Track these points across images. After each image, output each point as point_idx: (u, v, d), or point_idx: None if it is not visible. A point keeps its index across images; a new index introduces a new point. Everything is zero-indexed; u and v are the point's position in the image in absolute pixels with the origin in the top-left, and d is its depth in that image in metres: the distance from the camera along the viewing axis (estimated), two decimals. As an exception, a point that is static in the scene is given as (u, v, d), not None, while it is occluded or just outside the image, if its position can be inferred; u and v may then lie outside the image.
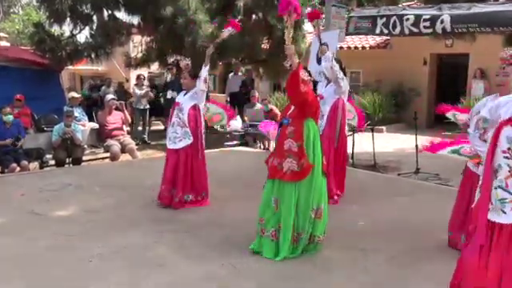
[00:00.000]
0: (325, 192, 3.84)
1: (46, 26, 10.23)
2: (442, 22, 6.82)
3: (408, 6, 8.60)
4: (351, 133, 7.40)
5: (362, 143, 8.51)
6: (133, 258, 3.81)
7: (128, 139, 8.67)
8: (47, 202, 5.32)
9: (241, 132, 9.48)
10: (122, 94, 11.89)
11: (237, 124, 9.34)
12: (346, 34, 8.19)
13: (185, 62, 5.21)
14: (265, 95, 14.06)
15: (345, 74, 5.48)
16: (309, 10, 11.02)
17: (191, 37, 9.61)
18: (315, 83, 4.13)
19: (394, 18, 7.33)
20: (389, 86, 13.58)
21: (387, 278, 3.49)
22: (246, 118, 9.87)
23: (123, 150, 8.35)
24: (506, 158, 2.49)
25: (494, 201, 2.51)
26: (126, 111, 9.13)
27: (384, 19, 7.47)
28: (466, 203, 3.76)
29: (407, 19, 7.19)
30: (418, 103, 13.25)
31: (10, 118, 7.31)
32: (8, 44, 15.56)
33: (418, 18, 7.08)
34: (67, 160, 7.74)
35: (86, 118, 9.52)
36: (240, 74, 12.28)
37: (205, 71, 5.07)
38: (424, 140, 7.57)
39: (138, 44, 12.61)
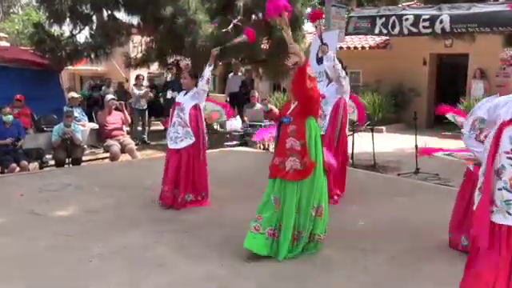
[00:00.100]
0: (325, 191, 3.85)
1: (45, 26, 10.22)
2: (441, 21, 6.82)
3: (408, 6, 8.60)
4: (351, 133, 7.40)
5: (361, 143, 8.51)
6: (133, 258, 3.81)
7: (128, 139, 8.68)
8: (47, 202, 5.32)
9: (240, 132, 9.49)
10: (122, 94, 11.88)
11: (236, 124, 9.36)
12: (346, 34, 8.19)
13: (185, 62, 5.21)
14: (264, 95, 14.07)
15: (346, 74, 5.48)
16: (309, 10, 11.08)
17: (191, 37, 9.61)
18: None
19: (394, 17, 7.32)
20: (388, 86, 13.58)
21: (387, 278, 3.49)
22: (245, 118, 9.87)
23: (123, 150, 8.35)
24: (510, 158, 2.43)
25: (500, 202, 2.44)
26: (125, 111, 9.13)
27: (383, 19, 7.46)
28: (465, 204, 3.76)
29: (406, 19, 7.18)
30: (417, 103, 13.26)
31: (10, 118, 7.32)
32: (8, 44, 15.55)
33: (417, 18, 7.07)
34: (67, 160, 7.75)
35: (86, 118, 9.52)
36: (240, 74, 12.29)
37: (208, 71, 5.06)
38: (424, 140, 7.61)
39: (137, 44, 12.61)
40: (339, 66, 5.23)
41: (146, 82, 12.98)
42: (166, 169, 5.20)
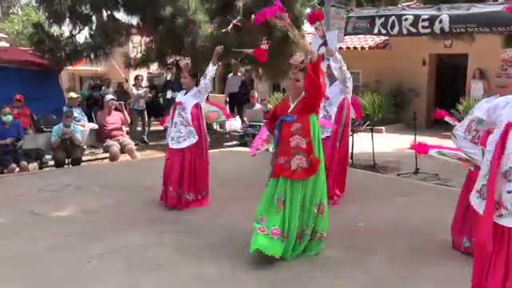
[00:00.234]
0: (325, 188, 3.85)
1: (45, 27, 10.22)
2: (440, 21, 6.82)
3: (407, 6, 8.61)
4: (351, 133, 7.39)
5: (361, 143, 8.52)
6: (132, 258, 3.80)
7: (127, 139, 8.68)
8: (47, 203, 5.32)
9: (240, 132, 9.49)
10: (122, 94, 11.89)
11: (236, 124, 9.36)
12: (345, 35, 8.18)
13: (185, 62, 5.20)
14: (264, 95, 14.09)
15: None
16: (308, 10, 11.06)
17: (191, 37, 9.61)
18: None
19: (393, 18, 7.32)
20: (388, 87, 13.58)
21: (387, 278, 3.49)
22: (245, 119, 9.88)
23: (122, 151, 8.35)
24: None
25: (510, 205, 2.35)
26: (125, 112, 9.13)
27: (382, 19, 7.46)
28: (467, 206, 3.74)
29: (406, 19, 7.18)
30: (417, 103, 13.26)
31: (10, 118, 7.32)
32: (7, 45, 15.53)
33: (416, 18, 7.07)
34: (66, 160, 7.75)
35: (86, 118, 9.52)
36: (239, 74, 12.29)
37: (212, 70, 5.04)
38: (423, 140, 7.59)
39: (137, 44, 12.62)
40: (345, 66, 5.23)
41: (145, 83, 12.98)
42: (167, 169, 5.14)
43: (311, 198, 3.72)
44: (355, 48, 14.55)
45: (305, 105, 3.72)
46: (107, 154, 8.39)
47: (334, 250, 3.92)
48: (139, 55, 12.37)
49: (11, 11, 30.74)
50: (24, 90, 9.13)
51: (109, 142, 8.35)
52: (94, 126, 9.31)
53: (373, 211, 5.08)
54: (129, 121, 9.42)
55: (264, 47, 4.98)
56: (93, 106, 11.69)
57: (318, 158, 3.69)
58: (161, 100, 12.35)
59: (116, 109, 8.85)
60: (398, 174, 7.42)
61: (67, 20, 10.12)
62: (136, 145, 9.52)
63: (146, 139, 11.28)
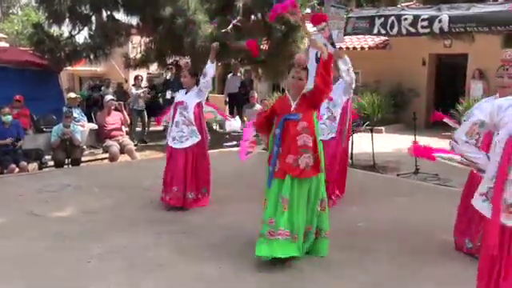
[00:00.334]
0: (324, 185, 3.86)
1: (44, 27, 10.22)
2: (439, 21, 6.81)
3: (407, 6, 8.60)
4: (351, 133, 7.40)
5: (361, 144, 8.52)
6: (132, 258, 3.80)
7: (127, 140, 8.68)
8: (46, 203, 5.32)
9: (240, 132, 9.47)
10: (121, 94, 11.90)
11: (236, 125, 9.35)
12: (344, 35, 8.17)
13: (185, 61, 5.21)
14: (264, 96, 14.09)
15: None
16: (308, 11, 11.04)
17: (190, 37, 9.60)
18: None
19: (393, 18, 7.31)
20: (388, 87, 13.58)
21: (387, 278, 3.49)
22: (245, 119, 9.87)
23: (122, 151, 8.35)
24: None
25: None
26: (124, 112, 9.12)
27: (382, 19, 7.45)
28: (468, 206, 3.73)
29: (405, 19, 7.17)
30: (416, 104, 13.25)
31: (9, 118, 7.31)
32: (7, 45, 15.54)
33: (416, 18, 7.07)
34: (66, 161, 7.75)
35: (85, 118, 9.52)
36: (239, 74, 12.29)
37: (212, 67, 5.02)
38: (423, 141, 7.60)
39: (136, 45, 12.60)
40: (352, 68, 5.22)
41: (145, 83, 12.98)
42: (170, 169, 5.10)
43: (316, 194, 3.70)
44: (355, 48, 14.55)
45: (309, 103, 3.70)
46: (107, 155, 8.39)
47: (334, 250, 3.91)
48: (139, 55, 12.36)
49: (11, 11, 30.75)
50: (24, 90, 9.13)
51: (108, 142, 8.34)
52: (94, 126, 9.31)
53: (372, 211, 5.08)
54: (128, 121, 9.42)
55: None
56: (92, 106, 11.70)
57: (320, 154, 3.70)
58: (160, 100, 12.35)
59: (115, 109, 8.84)
60: (398, 174, 7.42)
61: (67, 20, 10.12)
62: (135, 145, 9.51)
63: (145, 139, 11.28)
